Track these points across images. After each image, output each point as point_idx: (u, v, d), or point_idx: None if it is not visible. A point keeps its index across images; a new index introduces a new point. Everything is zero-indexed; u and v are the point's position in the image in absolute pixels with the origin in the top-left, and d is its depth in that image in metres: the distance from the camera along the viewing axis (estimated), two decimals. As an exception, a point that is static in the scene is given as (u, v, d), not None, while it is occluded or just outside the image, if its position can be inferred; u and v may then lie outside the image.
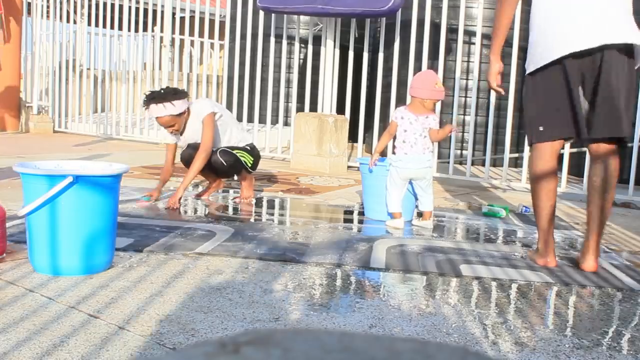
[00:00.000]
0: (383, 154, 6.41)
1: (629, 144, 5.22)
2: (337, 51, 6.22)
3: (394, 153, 3.53)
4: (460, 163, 6.38)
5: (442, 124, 5.87)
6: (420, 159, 3.39)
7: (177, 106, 3.58)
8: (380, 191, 3.51)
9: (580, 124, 2.50)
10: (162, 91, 3.61)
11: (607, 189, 2.51)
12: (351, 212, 3.83)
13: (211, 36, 8.52)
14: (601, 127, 2.48)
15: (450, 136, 5.60)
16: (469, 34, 6.09)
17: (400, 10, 5.77)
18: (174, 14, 8.10)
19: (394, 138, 3.47)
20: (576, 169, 5.76)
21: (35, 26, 9.45)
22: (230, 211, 3.71)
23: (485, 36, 5.96)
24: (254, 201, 3.99)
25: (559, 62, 2.50)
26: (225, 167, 3.84)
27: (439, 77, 3.58)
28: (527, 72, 2.64)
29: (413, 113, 3.40)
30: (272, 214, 3.68)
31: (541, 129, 2.59)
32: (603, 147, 2.53)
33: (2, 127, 8.94)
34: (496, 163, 6.54)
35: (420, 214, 3.54)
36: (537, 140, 2.62)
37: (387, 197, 3.40)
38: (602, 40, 2.42)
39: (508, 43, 5.48)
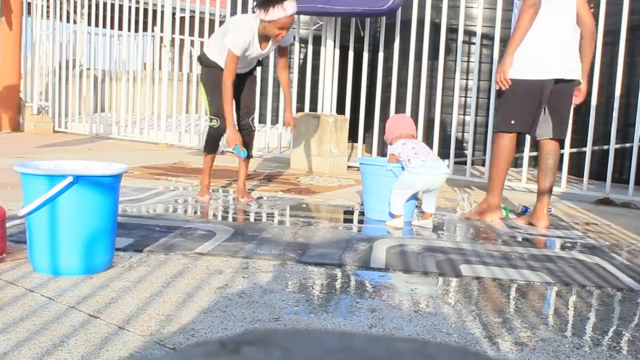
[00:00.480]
0: (383, 154, 6.42)
1: (629, 144, 5.23)
2: (337, 51, 6.22)
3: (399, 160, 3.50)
4: (461, 163, 6.38)
5: (443, 124, 5.90)
6: (440, 164, 3.41)
7: None
8: (380, 191, 3.51)
9: (535, 126, 3.48)
10: None
11: (555, 168, 3.59)
12: (351, 212, 3.83)
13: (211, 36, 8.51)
14: (560, 131, 3.57)
15: (450, 136, 5.60)
16: (469, 34, 6.09)
17: (400, 9, 5.77)
18: (174, 14, 8.10)
19: (404, 151, 3.46)
20: (576, 169, 5.76)
21: (35, 26, 9.45)
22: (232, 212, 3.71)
23: (485, 36, 5.96)
24: (252, 201, 3.99)
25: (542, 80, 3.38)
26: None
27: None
28: (516, 76, 3.39)
29: (409, 139, 3.51)
30: (272, 214, 3.68)
31: (513, 122, 3.48)
32: (553, 143, 3.57)
33: (1, 127, 8.94)
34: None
35: (420, 213, 3.54)
36: (509, 129, 3.52)
37: (393, 197, 3.36)
38: (577, 75, 3.47)
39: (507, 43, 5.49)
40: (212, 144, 4.01)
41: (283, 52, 3.98)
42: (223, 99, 3.67)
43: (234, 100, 3.78)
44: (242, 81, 3.96)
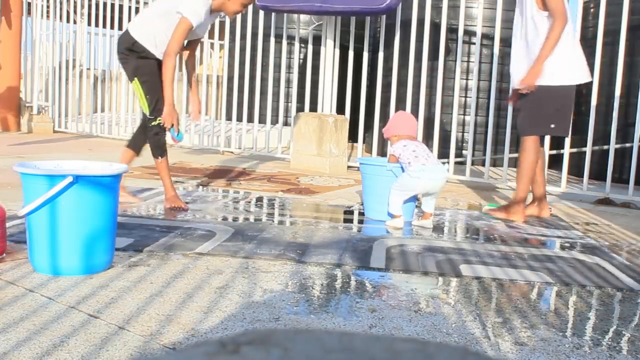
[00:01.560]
0: (383, 154, 6.42)
1: (629, 144, 5.23)
2: (337, 51, 6.22)
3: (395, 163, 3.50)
4: (461, 163, 6.39)
5: (442, 124, 5.90)
6: (440, 168, 3.41)
7: None
8: (380, 191, 3.51)
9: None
10: None
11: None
12: (351, 212, 3.82)
13: (211, 36, 8.52)
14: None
15: (450, 136, 5.60)
16: (469, 34, 6.10)
17: (400, 9, 5.78)
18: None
19: (404, 153, 3.47)
20: (576, 169, 5.76)
21: (35, 26, 9.45)
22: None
23: (485, 36, 5.96)
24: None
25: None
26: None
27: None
28: (555, 83, 3.56)
29: (411, 140, 3.50)
30: (272, 214, 3.68)
31: (552, 126, 3.67)
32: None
33: (2, 127, 8.94)
34: (496, 163, 6.54)
35: (420, 213, 3.54)
36: (548, 133, 3.83)
37: (392, 198, 3.36)
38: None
39: (508, 43, 5.50)
40: (164, 145, 3.61)
41: (197, 40, 3.75)
42: (166, 73, 3.37)
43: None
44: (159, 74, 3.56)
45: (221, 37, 8.12)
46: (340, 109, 6.34)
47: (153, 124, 3.53)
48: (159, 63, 3.50)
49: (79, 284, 2.09)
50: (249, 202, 3.98)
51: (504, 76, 5.86)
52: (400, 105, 5.92)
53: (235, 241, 2.79)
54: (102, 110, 9.71)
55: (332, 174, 5.60)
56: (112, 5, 8.48)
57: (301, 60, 7.79)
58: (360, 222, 3.57)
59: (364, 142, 6.63)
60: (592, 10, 6.20)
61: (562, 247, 3.04)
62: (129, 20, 8.19)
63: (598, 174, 5.41)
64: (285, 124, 7.38)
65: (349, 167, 5.93)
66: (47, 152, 6.32)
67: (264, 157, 6.68)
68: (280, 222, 3.41)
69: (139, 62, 3.50)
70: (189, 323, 1.76)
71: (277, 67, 7.07)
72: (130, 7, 8.17)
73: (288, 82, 7.51)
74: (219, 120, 8.04)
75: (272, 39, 6.69)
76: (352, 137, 6.27)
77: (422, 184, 3.33)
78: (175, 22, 3.35)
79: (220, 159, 6.37)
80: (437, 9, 5.83)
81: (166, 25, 3.39)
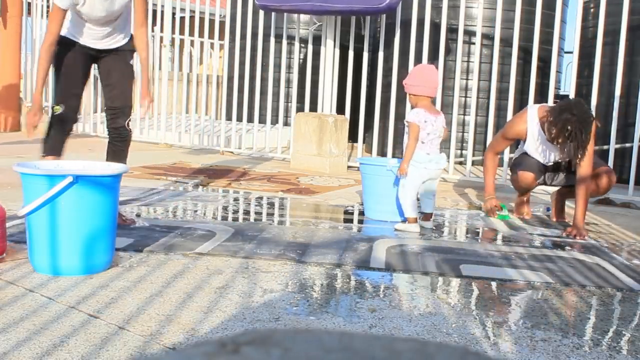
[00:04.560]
0: (383, 154, 6.42)
1: (629, 144, 5.22)
2: (337, 51, 6.22)
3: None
4: (460, 163, 6.39)
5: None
6: (440, 159, 3.40)
7: None
8: (380, 191, 3.51)
9: None
10: None
11: None
12: (351, 212, 3.82)
13: (211, 36, 8.52)
14: None
15: (450, 136, 5.60)
16: (469, 34, 6.09)
17: (400, 9, 5.77)
18: (174, 14, 8.10)
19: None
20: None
21: (35, 26, 9.45)
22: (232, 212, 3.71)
23: (485, 36, 5.96)
24: None
25: None
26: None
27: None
28: None
29: (431, 114, 3.35)
30: (272, 214, 3.68)
31: None
32: None
33: (2, 127, 8.94)
34: (496, 163, 6.52)
35: (420, 214, 3.54)
36: None
37: (405, 199, 3.33)
38: None
39: (508, 43, 5.51)
40: (54, 139, 3.20)
41: (141, 3, 3.12)
42: (39, 62, 2.98)
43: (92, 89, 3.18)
44: (109, 63, 3.15)
45: (221, 37, 8.11)
46: (340, 109, 6.33)
47: (52, 113, 3.22)
48: (80, 48, 3.09)
49: (79, 284, 2.09)
50: (249, 202, 3.98)
51: (504, 76, 5.86)
52: (400, 105, 5.92)
53: (235, 241, 2.79)
54: (102, 110, 9.70)
55: (332, 174, 5.60)
56: (112, 5, 8.46)
57: (301, 60, 7.79)
58: (360, 222, 3.57)
59: (364, 142, 6.63)
60: (592, 10, 6.19)
61: (562, 247, 3.04)
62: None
63: (598, 174, 5.40)
64: (285, 124, 7.38)
65: (349, 167, 5.93)
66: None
67: (264, 157, 6.68)
68: (280, 222, 3.41)
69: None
70: (189, 323, 1.76)
71: (277, 67, 7.07)
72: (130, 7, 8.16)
73: (288, 82, 7.51)
74: (219, 120, 8.03)
75: (272, 39, 6.69)
76: (352, 137, 6.27)
77: (426, 173, 3.35)
78: None
79: (220, 159, 6.37)
80: (437, 9, 5.82)
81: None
